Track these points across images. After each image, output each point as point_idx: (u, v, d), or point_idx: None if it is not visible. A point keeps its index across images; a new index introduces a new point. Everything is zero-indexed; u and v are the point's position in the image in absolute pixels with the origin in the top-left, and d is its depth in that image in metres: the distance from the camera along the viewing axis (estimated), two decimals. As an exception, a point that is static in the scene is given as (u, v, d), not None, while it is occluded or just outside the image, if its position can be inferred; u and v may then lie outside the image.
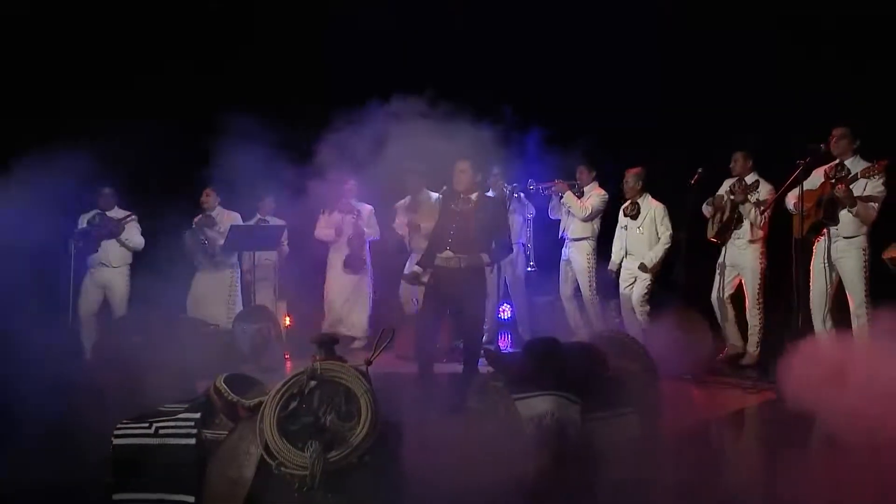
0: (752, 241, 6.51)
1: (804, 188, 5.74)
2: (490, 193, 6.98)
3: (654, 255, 6.82)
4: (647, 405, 4.16)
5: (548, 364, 4.13)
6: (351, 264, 7.78)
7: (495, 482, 3.62)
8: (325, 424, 3.03)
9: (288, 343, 7.18)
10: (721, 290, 6.67)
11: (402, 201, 7.71)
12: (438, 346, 5.85)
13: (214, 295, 7.30)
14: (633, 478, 3.59)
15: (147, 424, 3.28)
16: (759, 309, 6.53)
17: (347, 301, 7.78)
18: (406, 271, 7.61)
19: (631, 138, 7.32)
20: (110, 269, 7.10)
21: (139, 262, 7.27)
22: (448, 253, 5.40)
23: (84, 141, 5.70)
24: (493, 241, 5.45)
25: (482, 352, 5.19)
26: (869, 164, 5.58)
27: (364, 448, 3.00)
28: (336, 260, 7.84)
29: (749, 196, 6.44)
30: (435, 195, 7.45)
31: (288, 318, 7.96)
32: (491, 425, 4.05)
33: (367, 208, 7.87)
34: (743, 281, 6.61)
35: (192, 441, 3.20)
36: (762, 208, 6.38)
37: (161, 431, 3.24)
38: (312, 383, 3.11)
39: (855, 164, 5.77)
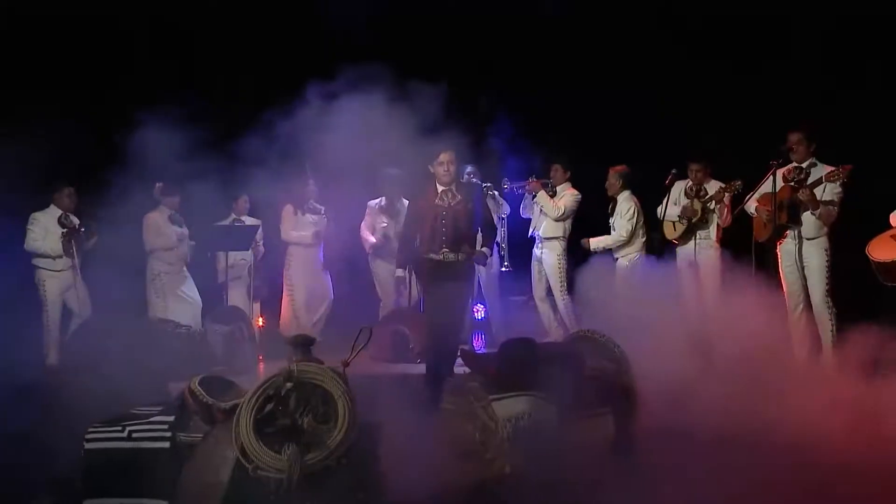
0: (715, 242, 6.63)
1: (763, 192, 5.90)
2: None
3: (600, 241, 7.01)
4: (623, 405, 4.18)
5: (524, 364, 4.13)
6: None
7: (472, 483, 3.63)
8: (301, 427, 3.00)
9: (261, 344, 7.12)
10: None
11: (375, 202, 7.64)
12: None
13: (180, 296, 7.18)
14: (609, 477, 3.60)
15: (120, 428, 3.22)
16: None
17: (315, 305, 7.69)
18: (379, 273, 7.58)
19: (609, 137, 7.34)
20: (72, 270, 6.87)
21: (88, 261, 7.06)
22: (445, 250, 5.37)
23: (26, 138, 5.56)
24: (482, 228, 5.48)
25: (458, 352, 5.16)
26: (833, 169, 5.70)
27: (341, 451, 2.97)
28: (311, 263, 7.77)
29: (725, 196, 6.51)
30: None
31: (261, 319, 7.88)
32: (468, 426, 4.04)
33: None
34: (704, 280, 6.66)
35: (167, 444, 3.15)
36: (728, 209, 6.48)
37: (134, 435, 3.18)
38: (289, 385, 3.08)
39: (813, 167, 5.90)
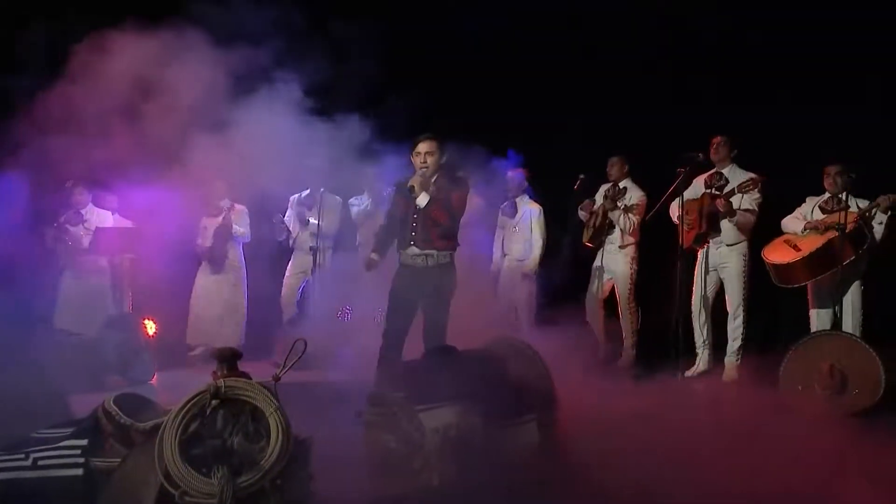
0: (621, 247, 6.76)
1: (686, 197, 6.03)
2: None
3: (533, 260, 6.99)
4: (544, 411, 4.19)
5: (448, 373, 4.08)
6: (212, 261, 7.38)
7: (400, 496, 3.54)
8: (232, 447, 2.81)
9: (155, 353, 6.72)
10: (596, 292, 6.88)
11: (297, 195, 7.45)
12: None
13: (84, 300, 6.70)
14: (538, 482, 3.61)
15: (23, 455, 2.89)
16: (630, 312, 6.78)
17: (220, 314, 7.34)
18: (288, 272, 7.35)
19: (520, 140, 7.36)
20: None
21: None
22: (413, 249, 4.92)
23: None
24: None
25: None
26: (746, 178, 5.92)
27: (276, 471, 2.81)
28: (206, 268, 7.43)
29: (618, 202, 6.67)
30: (338, 199, 7.37)
31: (152, 326, 7.43)
32: (390, 438, 3.94)
33: (238, 208, 7.48)
34: (615, 285, 6.84)
35: (80, 471, 2.87)
36: (633, 214, 6.63)
37: (41, 462, 2.87)
38: (215, 402, 2.88)
39: (732, 172, 6.14)
